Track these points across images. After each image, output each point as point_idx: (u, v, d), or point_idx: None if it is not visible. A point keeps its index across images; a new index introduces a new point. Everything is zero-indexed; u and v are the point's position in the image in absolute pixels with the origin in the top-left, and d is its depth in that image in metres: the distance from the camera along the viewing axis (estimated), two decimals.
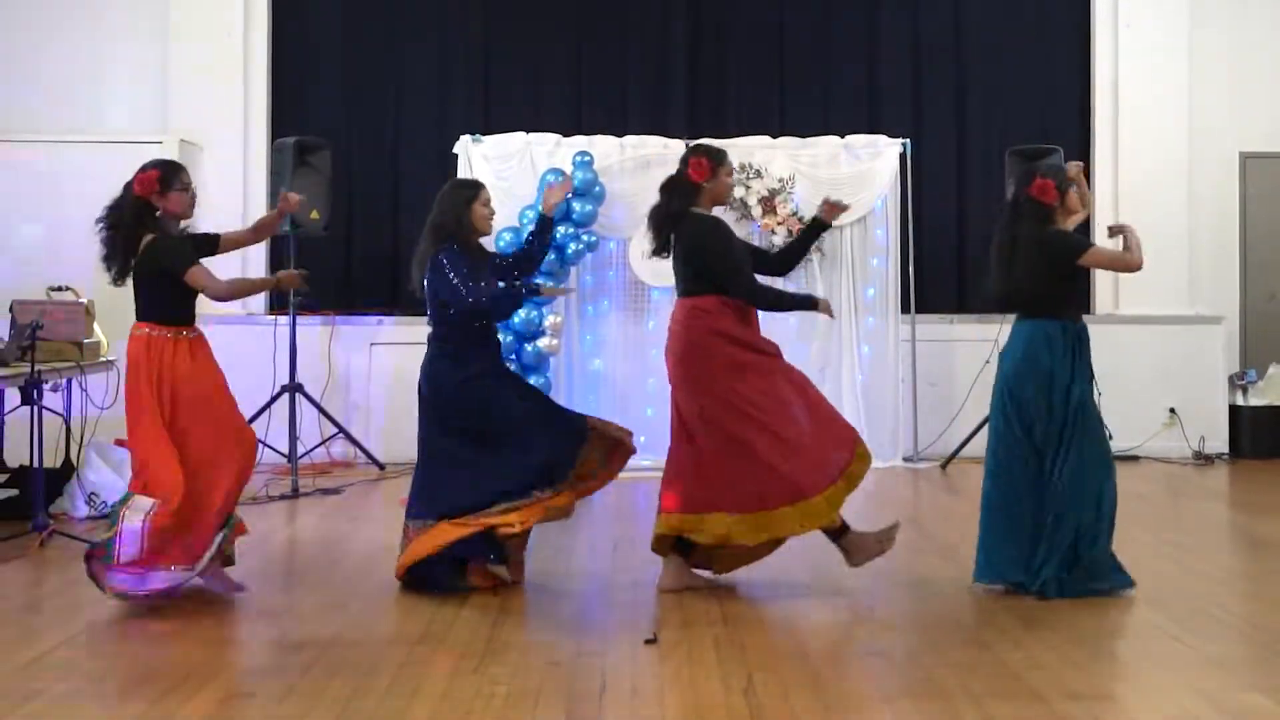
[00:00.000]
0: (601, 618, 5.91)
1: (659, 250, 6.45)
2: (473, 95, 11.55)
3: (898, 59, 11.73)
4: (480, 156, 10.33)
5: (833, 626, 5.73)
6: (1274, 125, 11.51)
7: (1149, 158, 10.97)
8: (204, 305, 10.87)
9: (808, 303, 6.49)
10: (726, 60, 11.70)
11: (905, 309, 10.72)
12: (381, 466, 10.31)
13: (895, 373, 10.63)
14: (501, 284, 6.39)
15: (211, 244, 6.44)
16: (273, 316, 10.49)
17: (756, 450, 6.09)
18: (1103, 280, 11.40)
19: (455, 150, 10.44)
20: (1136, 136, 11.30)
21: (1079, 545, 6.05)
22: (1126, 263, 6.25)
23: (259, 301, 10.97)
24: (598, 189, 10.05)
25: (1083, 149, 11.52)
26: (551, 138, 10.43)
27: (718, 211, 6.55)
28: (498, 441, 6.21)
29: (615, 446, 6.44)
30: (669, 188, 6.38)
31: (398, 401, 10.60)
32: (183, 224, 6.27)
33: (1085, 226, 6.60)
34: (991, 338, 10.81)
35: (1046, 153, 10.47)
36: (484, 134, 10.53)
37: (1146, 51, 11.41)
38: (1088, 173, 11.49)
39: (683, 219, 6.30)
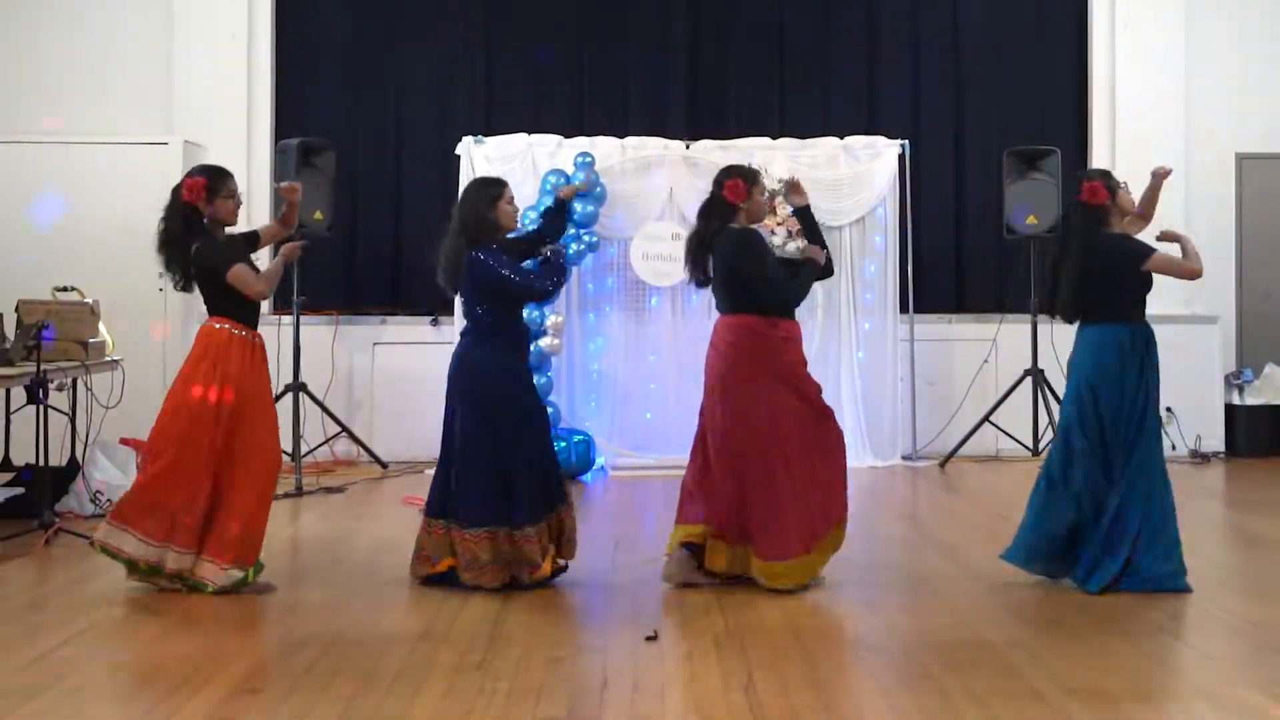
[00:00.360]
0: (602, 615, 5.96)
1: (699, 279, 6.49)
2: (474, 96, 11.57)
3: (897, 59, 11.76)
4: (482, 157, 10.36)
5: (832, 624, 5.77)
6: (1270, 126, 11.54)
7: (1146, 158, 10.95)
8: None
9: (816, 270, 6.48)
10: (726, 61, 11.72)
11: (904, 309, 10.77)
12: (384, 465, 10.35)
13: (894, 372, 10.68)
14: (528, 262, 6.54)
15: (253, 241, 6.58)
16: (276, 316, 10.53)
17: (760, 488, 6.23)
18: None
19: (458, 151, 10.48)
20: (1133, 137, 11.33)
21: (1136, 546, 6.14)
22: (1189, 270, 6.28)
23: (263, 301, 11.02)
24: (599, 190, 10.09)
25: (1080, 150, 11.58)
26: (553, 139, 10.47)
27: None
28: (524, 446, 6.29)
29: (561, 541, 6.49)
30: (706, 211, 6.45)
31: (401, 401, 10.67)
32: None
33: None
34: (989, 337, 10.90)
35: (1044, 153, 10.53)
36: (485, 135, 10.58)
37: (1143, 53, 11.46)
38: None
39: (717, 235, 6.36)
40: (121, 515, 6.18)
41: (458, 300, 7.07)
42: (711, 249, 6.37)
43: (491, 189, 6.43)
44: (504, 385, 6.30)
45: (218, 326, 6.25)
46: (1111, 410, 6.19)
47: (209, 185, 6.25)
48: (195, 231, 6.22)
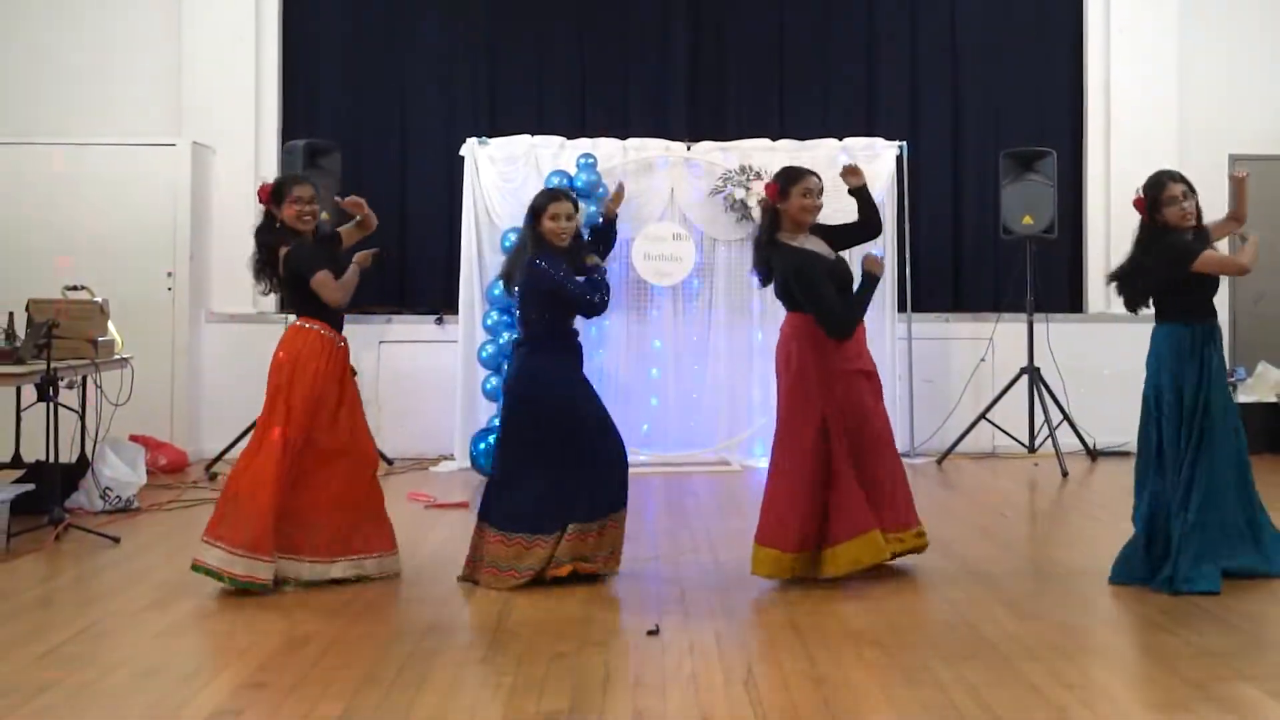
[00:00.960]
0: (605, 610, 5.98)
1: (761, 278, 6.68)
2: (478, 97, 11.65)
3: (895, 60, 11.84)
4: (486, 159, 10.42)
5: (831, 619, 5.79)
6: (1263, 128, 11.59)
7: (1140, 159, 11.03)
8: (217, 302, 11.09)
9: (873, 284, 6.48)
10: (726, 63, 11.79)
11: (901, 308, 10.82)
12: (390, 462, 10.39)
13: (892, 370, 10.71)
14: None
15: (338, 242, 6.73)
16: (283, 315, 10.61)
17: (773, 475, 6.44)
18: (1095, 279, 11.54)
19: (462, 152, 10.54)
20: (1128, 139, 11.42)
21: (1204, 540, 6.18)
22: (1238, 266, 6.34)
23: (270, 301, 11.10)
24: (601, 190, 10.15)
25: (1075, 151, 11.66)
26: (556, 140, 10.53)
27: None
28: (588, 444, 6.39)
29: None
30: (762, 212, 6.64)
31: (406, 399, 10.75)
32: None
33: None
34: (986, 336, 10.98)
35: (1040, 155, 10.61)
36: (489, 136, 10.63)
37: (1138, 54, 11.55)
38: (1080, 174, 11.63)
39: (772, 248, 6.47)
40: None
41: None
42: (769, 259, 6.50)
43: (539, 201, 6.47)
44: (561, 391, 6.38)
45: (306, 327, 6.42)
46: (1172, 409, 6.25)
47: (274, 190, 6.42)
48: (275, 234, 6.39)
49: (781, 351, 6.49)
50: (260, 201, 6.46)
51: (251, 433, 6.53)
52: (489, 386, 10.11)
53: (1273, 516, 6.52)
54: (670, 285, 10.42)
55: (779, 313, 10.29)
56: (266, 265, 6.43)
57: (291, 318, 6.61)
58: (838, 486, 6.34)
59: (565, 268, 6.35)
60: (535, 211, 6.42)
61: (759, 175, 10.31)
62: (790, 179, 6.50)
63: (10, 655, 5.19)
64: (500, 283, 10.10)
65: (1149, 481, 6.37)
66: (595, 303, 6.40)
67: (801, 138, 10.76)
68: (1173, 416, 6.26)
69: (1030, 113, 11.75)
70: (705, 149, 10.62)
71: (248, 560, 6.12)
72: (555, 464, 6.31)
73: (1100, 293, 11.54)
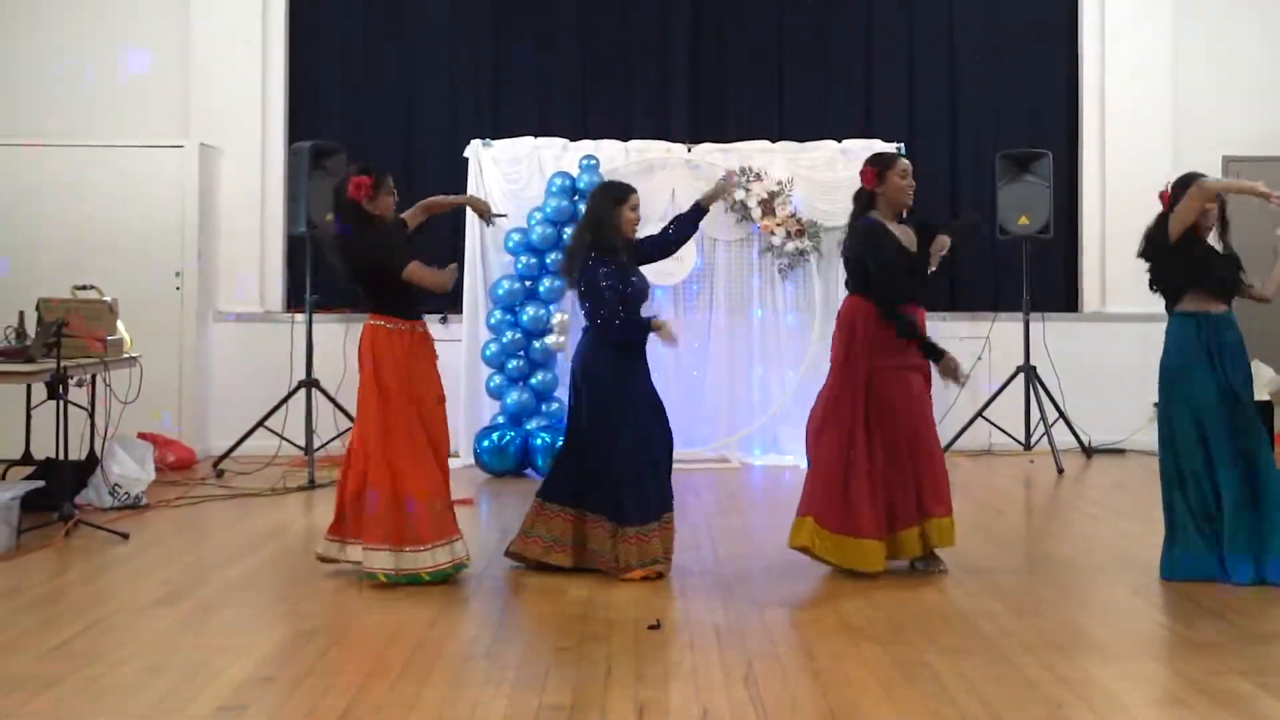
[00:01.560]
0: (606, 605, 6.00)
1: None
2: (481, 100, 11.69)
3: (894, 62, 11.87)
4: (490, 160, 10.49)
5: (829, 614, 5.83)
6: (1256, 129, 11.61)
7: (1134, 161, 11.11)
8: (224, 302, 11.13)
9: (933, 352, 6.46)
10: (726, 65, 11.82)
11: None
12: None
13: None
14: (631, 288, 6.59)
15: (404, 226, 6.70)
16: (290, 315, 10.67)
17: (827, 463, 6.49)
18: (1090, 279, 11.59)
19: (466, 154, 10.61)
20: (1122, 140, 11.47)
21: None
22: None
23: (277, 300, 11.19)
24: None
25: (1071, 152, 11.69)
26: (559, 142, 10.59)
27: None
28: (628, 440, 6.48)
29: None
30: (855, 197, 6.71)
31: None
32: None
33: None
34: (983, 335, 11.03)
35: (1036, 156, 10.65)
36: (493, 138, 10.69)
37: (1133, 56, 11.58)
38: (1076, 175, 11.66)
39: (852, 224, 6.61)
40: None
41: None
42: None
43: (616, 193, 6.56)
44: (611, 384, 6.47)
45: (375, 324, 6.41)
46: (1199, 401, 6.25)
47: (374, 182, 6.35)
48: (364, 227, 6.34)
49: (837, 333, 6.56)
50: (354, 196, 6.32)
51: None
52: (492, 385, 10.18)
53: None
54: (671, 285, 10.48)
55: (778, 311, 10.41)
56: (353, 257, 6.37)
57: (299, 317, 6.59)
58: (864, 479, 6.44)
59: (615, 270, 6.42)
60: (616, 202, 6.50)
61: (759, 176, 10.39)
62: (885, 163, 6.60)
63: (19, 650, 5.24)
64: (499, 283, 10.22)
65: (1200, 482, 6.31)
66: (611, 324, 6.42)
67: (801, 139, 10.81)
68: (1210, 412, 6.24)
69: (1026, 114, 11.78)
70: (706, 150, 10.67)
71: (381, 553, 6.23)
72: (595, 446, 6.44)
73: (1095, 292, 11.60)
